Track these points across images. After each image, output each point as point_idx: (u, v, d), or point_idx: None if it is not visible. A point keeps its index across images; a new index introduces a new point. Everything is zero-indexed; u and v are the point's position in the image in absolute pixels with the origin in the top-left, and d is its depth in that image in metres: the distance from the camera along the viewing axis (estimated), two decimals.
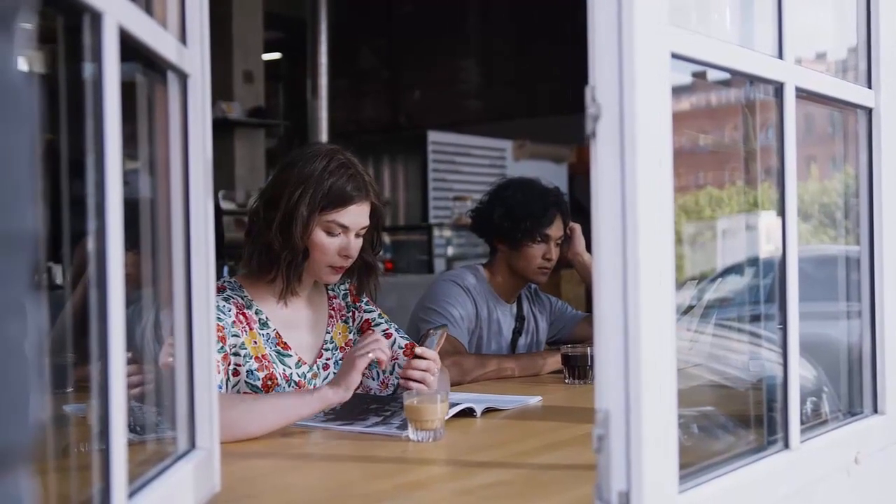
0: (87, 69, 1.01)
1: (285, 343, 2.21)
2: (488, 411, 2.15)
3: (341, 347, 2.32)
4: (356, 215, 2.18)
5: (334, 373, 2.26)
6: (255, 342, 2.16)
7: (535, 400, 2.33)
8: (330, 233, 2.16)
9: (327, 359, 2.29)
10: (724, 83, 1.69)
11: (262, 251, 2.17)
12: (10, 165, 0.52)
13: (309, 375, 2.23)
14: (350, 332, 2.36)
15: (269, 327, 2.20)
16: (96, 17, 0.99)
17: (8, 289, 0.53)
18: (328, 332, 2.32)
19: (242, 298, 2.19)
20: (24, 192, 0.54)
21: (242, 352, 2.12)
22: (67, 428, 1.55)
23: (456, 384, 2.66)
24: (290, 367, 2.19)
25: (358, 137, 9.65)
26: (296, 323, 2.26)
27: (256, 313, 2.20)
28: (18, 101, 0.53)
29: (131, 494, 1.07)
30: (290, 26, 9.30)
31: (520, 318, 3.11)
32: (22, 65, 0.56)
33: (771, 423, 1.54)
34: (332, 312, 2.35)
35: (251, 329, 2.16)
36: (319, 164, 2.15)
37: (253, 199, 2.30)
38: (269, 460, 1.76)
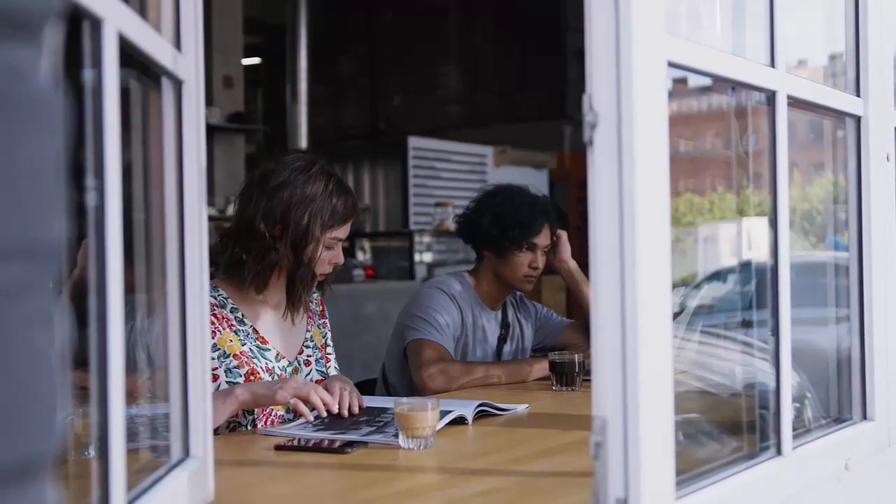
0: (86, 75, 1.01)
1: (263, 338, 2.27)
2: (480, 415, 2.15)
3: (320, 347, 2.41)
4: (349, 228, 2.32)
5: (316, 370, 2.36)
6: (231, 340, 2.21)
7: (522, 408, 2.33)
8: (329, 247, 2.27)
9: (308, 355, 2.37)
10: (706, 90, 1.70)
11: (268, 268, 2.23)
12: (39, 174, 0.52)
13: (290, 370, 2.30)
14: (323, 337, 2.46)
15: (245, 325, 2.25)
16: (96, 24, 0.98)
17: (36, 298, 0.53)
18: (308, 331, 2.40)
19: (216, 298, 2.21)
20: (53, 201, 0.54)
21: (215, 353, 2.16)
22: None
23: (443, 391, 2.66)
24: (270, 361, 2.25)
25: (338, 143, 9.64)
26: (274, 321, 2.32)
27: (232, 311, 2.25)
28: (47, 109, 0.53)
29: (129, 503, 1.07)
30: (270, 31, 9.28)
31: (505, 325, 3.11)
32: (49, 72, 0.56)
33: (763, 430, 1.54)
34: (311, 313, 2.43)
35: (225, 328, 2.21)
36: (319, 186, 2.24)
37: (236, 210, 2.31)
38: (261, 469, 1.75)
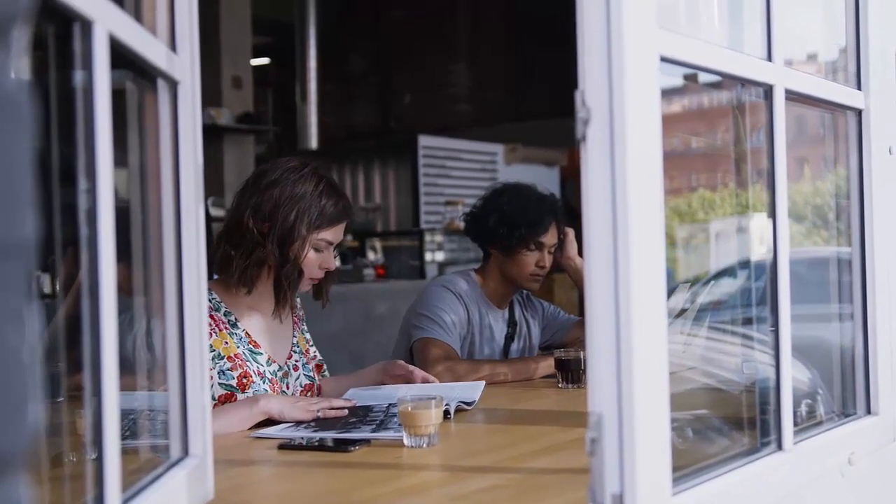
0: (78, 76, 1.01)
1: (255, 342, 2.30)
2: (459, 411, 2.19)
3: (304, 352, 2.45)
4: (340, 232, 2.34)
5: (304, 374, 2.40)
6: (227, 342, 2.24)
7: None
8: (317, 249, 2.29)
9: (296, 360, 2.41)
10: (715, 85, 1.70)
11: (255, 265, 2.25)
12: (9, 173, 0.52)
13: (280, 374, 2.33)
14: (307, 342, 2.50)
15: (239, 328, 2.28)
16: (87, 25, 0.99)
17: (7, 296, 0.53)
18: (294, 337, 2.44)
19: (210, 301, 2.23)
20: (23, 200, 0.54)
21: (211, 354, 2.19)
22: (59, 437, 1.54)
23: None
24: (262, 365, 2.28)
25: (348, 142, 9.64)
26: (264, 327, 2.35)
27: (225, 315, 2.28)
28: (16, 108, 0.53)
29: (125, 502, 1.07)
30: (279, 31, 9.30)
31: (512, 324, 3.11)
32: (18, 72, 0.56)
33: (764, 425, 1.54)
34: (296, 320, 2.47)
35: (221, 331, 2.24)
36: (310, 186, 2.27)
37: (232, 210, 2.32)
38: (262, 468, 1.76)
